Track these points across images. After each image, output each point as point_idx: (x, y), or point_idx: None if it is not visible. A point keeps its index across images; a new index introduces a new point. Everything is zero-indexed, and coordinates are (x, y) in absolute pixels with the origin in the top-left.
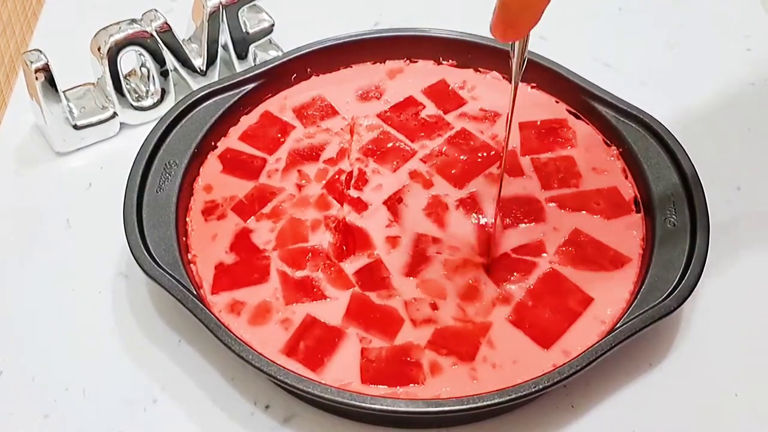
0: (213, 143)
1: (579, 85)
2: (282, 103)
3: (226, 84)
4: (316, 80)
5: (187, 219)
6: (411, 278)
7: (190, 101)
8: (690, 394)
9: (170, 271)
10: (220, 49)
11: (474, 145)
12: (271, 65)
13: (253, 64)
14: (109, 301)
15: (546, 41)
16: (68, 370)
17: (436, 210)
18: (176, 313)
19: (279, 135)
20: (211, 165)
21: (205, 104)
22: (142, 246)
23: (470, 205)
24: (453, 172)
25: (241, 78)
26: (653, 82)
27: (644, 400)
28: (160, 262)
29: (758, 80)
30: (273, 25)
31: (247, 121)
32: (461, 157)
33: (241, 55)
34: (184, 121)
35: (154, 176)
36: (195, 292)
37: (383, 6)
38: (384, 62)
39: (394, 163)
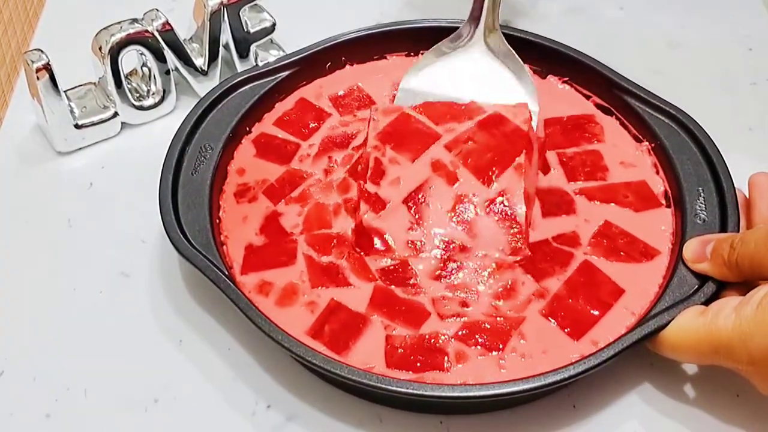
0: (247, 128)
1: (611, 78)
2: (318, 91)
3: (261, 71)
4: (350, 70)
5: (220, 201)
6: (439, 282)
7: (226, 87)
8: (691, 394)
9: (203, 252)
10: (221, 49)
11: (505, 129)
12: (306, 53)
13: (254, 64)
14: (109, 301)
15: None
16: (69, 370)
17: (462, 213)
18: (177, 313)
19: (314, 121)
20: (245, 149)
21: (240, 90)
22: (176, 227)
23: (500, 205)
24: (480, 162)
25: (276, 65)
26: (654, 82)
27: (645, 400)
28: (194, 243)
29: (760, 80)
30: (274, 24)
31: (282, 107)
32: (490, 143)
33: (243, 55)
34: (220, 106)
35: (190, 159)
36: (227, 273)
37: (383, 5)
38: (418, 55)
39: (414, 149)
